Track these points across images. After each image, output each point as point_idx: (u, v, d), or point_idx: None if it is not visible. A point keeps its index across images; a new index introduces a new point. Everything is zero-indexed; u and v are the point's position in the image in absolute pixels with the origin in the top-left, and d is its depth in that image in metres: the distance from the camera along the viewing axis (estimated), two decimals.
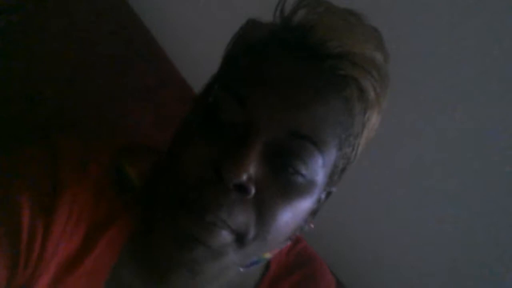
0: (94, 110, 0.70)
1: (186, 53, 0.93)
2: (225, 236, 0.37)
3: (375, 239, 0.94)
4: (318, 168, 0.39)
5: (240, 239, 0.38)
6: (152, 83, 0.81)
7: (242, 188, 0.36)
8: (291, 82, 0.38)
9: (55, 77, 0.68)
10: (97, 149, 0.47)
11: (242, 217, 0.37)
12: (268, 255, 0.48)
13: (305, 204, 0.39)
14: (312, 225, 0.46)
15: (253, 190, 0.36)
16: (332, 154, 0.40)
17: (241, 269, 0.48)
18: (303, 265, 0.55)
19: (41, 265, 0.40)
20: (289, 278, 0.53)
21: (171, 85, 0.84)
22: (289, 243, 0.47)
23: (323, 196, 0.45)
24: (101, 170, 0.45)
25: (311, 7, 0.40)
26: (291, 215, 0.38)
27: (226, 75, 0.41)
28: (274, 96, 0.37)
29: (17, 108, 0.63)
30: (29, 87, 0.65)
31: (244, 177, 0.35)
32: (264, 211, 0.37)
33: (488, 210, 0.81)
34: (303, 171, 0.38)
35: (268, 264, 0.53)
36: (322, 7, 0.40)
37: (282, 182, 0.38)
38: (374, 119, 0.42)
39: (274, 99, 0.37)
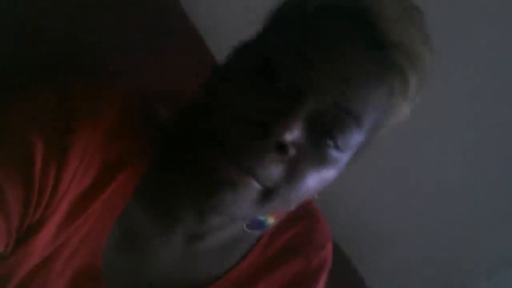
0: (97, 44, 0.68)
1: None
2: (255, 187, 0.39)
3: (375, 205, 0.96)
4: (352, 145, 0.41)
5: (267, 193, 0.39)
6: (158, 30, 0.77)
7: (283, 148, 0.37)
8: (354, 61, 0.39)
9: (59, 13, 0.64)
10: (109, 94, 0.47)
11: (275, 174, 0.38)
12: (272, 220, 0.50)
13: (331, 175, 0.42)
14: (325, 197, 0.48)
15: (292, 153, 0.38)
16: (364, 135, 0.42)
17: (246, 229, 0.49)
18: (302, 218, 0.57)
19: (53, 204, 0.41)
20: (287, 231, 0.55)
21: (179, 33, 0.81)
22: (294, 208, 0.48)
23: None
24: (119, 112, 0.45)
25: None
26: (317, 183, 0.41)
27: (291, 35, 0.41)
28: (336, 67, 0.38)
29: (17, 45, 0.60)
30: (29, 25, 0.61)
31: (289, 137, 0.37)
32: (295, 174, 0.39)
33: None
34: (340, 145, 0.40)
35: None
36: None
37: (318, 150, 0.40)
38: (405, 112, 0.44)
39: (335, 70, 0.38)
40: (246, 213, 0.42)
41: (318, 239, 0.57)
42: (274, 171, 0.38)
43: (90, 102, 0.44)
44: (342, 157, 0.41)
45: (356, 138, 0.40)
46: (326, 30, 0.40)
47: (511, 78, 0.77)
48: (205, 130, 0.40)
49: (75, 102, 0.43)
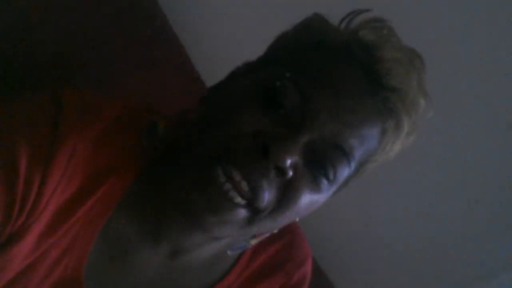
0: (91, 51, 0.68)
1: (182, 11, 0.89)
2: (241, 212, 0.39)
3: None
4: (341, 180, 0.43)
5: (255, 213, 0.40)
6: (143, 36, 0.77)
7: (281, 170, 0.38)
8: (351, 100, 0.41)
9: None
10: (101, 103, 0.47)
11: (268, 194, 0.39)
12: (254, 241, 0.51)
13: (319, 201, 0.43)
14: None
15: (290, 174, 0.39)
16: (353, 170, 0.43)
17: (228, 252, 0.51)
18: (284, 234, 0.57)
19: (35, 213, 0.41)
20: (270, 247, 0.56)
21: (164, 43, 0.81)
22: (275, 231, 0.50)
23: None
24: (106, 123, 0.45)
25: (377, 29, 0.43)
26: (306, 207, 0.42)
27: (296, 66, 0.43)
28: (333, 105, 0.40)
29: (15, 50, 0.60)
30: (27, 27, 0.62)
31: (288, 162, 0.38)
32: (288, 196, 0.40)
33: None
34: (331, 177, 0.41)
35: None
36: (386, 31, 0.43)
37: (312, 178, 0.41)
38: (394, 153, 0.47)
39: (333, 108, 0.40)
40: (235, 233, 0.43)
41: (299, 255, 0.58)
42: (268, 191, 0.39)
43: (79, 112, 0.44)
44: (330, 188, 0.43)
45: (345, 172, 0.42)
46: (327, 64, 0.42)
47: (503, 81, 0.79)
48: (201, 147, 0.40)
49: (65, 111, 0.43)
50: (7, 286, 0.42)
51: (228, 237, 0.47)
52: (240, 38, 0.84)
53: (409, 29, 0.45)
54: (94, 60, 0.69)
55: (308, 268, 0.59)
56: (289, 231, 0.58)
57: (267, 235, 0.50)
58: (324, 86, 0.41)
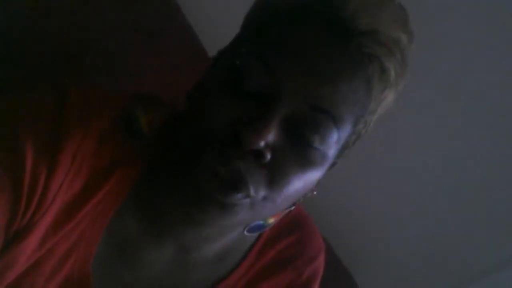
0: (96, 45, 0.68)
1: None
2: (241, 201, 0.38)
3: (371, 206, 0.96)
4: (332, 143, 0.40)
5: (254, 203, 0.39)
6: (155, 27, 0.77)
7: (258, 153, 0.37)
8: (319, 57, 0.38)
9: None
10: (108, 98, 0.46)
11: (254, 179, 0.38)
12: (272, 220, 0.49)
13: (315, 175, 0.41)
14: (315, 192, 0.47)
15: (268, 156, 0.37)
16: (346, 131, 0.41)
17: (246, 233, 0.49)
18: (295, 229, 0.56)
19: (41, 209, 0.40)
20: (280, 242, 0.55)
21: (174, 30, 0.80)
22: (293, 208, 0.48)
23: None
24: (110, 118, 0.44)
25: None
26: (302, 183, 0.40)
27: (254, 40, 0.41)
28: (301, 68, 0.37)
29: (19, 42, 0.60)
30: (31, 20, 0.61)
31: (262, 144, 0.36)
32: (277, 176, 0.38)
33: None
34: (318, 145, 0.39)
35: None
36: None
37: (297, 151, 0.39)
38: (390, 99, 0.43)
39: (301, 71, 0.37)
40: (238, 223, 0.42)
41: (310, 251, 0.57)
42: (253, 176, 0.38)
43: (85, 108, 0.43)
44: (324, 156, 0.40)
45: (335, 135, 0.39)
46: (286, 29, 0.39)
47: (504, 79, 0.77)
48: (182, 142, 0.40)
49: (70, 107, 0.42)
50: (14, 284, 0.42)
51: (238, 226, 0.47)
52: None
53: None
54: (104, 50, 0.68)
55: (319, 263, 0.58)
56: (301, 225, 0.57)
57: (286, 212, 0.49)
58: (286, 50, 0.38)
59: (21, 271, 0.42)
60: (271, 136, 0.37)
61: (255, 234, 0.52)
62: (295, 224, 0.57)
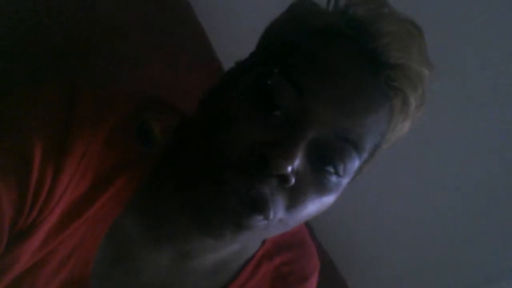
0: (105, 44, 0.67)
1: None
2: (258, 218, 0.38)
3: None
4: (353, 171, 0.41)
5: (268, 223, 0.39)
6: (165, 26, 0.76)
7: (283, 178, 0.37)
8: (350, 85, 0.38)
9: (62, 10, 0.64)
10: (117, 101, 0.46)
11: (275, 203, 0.38)
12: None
13: (330, 200, 0.41)
14: None
15: (293, 181, 0.37)
16: (364, 159, 0.41)
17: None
18: (293, 247, 0.56)
19: (46, 210, 0.40)
20: (277, 257, 0.55)
21: (186, 29, 0.80)
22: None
23: None
24: (118, 122, 0.44)
25: (367, 3, 0.40)
26: (317, 209, 0.40)
27: (281, 57, 0.40)
28: (332, 95, 0.37)
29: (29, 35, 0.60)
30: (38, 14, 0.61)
31: (289, 169, 0.36)
32: (296, 201, 0.38)
33: None
34: (341, 172, 0.39)
35: (263, 241, 0.54)
36: (377, 3, 0.40)
37: (318, 177, 0.39)
38: (406, 129, 0.44)
39: (332, 99, 0.37)
40: (248, 241, 0.42)
41: (304, 270, 0.56)
42: (276, 201, 0.37)
43: (93, 109, 0.43)
44: (341, 182, 0.40)
45: (357, 163, 0.40)
46: (318, 50, 0.39)
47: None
48: (200, 160, 0.39)
49: (80, 109, 0.42)
50: (13, 284, 0.41)
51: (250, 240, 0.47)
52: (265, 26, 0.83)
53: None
54: (114, 48, 0.68)
55: (312, 283, 0.58)
56: (299, 243, 0.57)
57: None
58: (319, 75, 0.38)
59: (21, 272, 0.41)
60: (298, 160, 0.37)
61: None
62: (294, 241, 0.57)
